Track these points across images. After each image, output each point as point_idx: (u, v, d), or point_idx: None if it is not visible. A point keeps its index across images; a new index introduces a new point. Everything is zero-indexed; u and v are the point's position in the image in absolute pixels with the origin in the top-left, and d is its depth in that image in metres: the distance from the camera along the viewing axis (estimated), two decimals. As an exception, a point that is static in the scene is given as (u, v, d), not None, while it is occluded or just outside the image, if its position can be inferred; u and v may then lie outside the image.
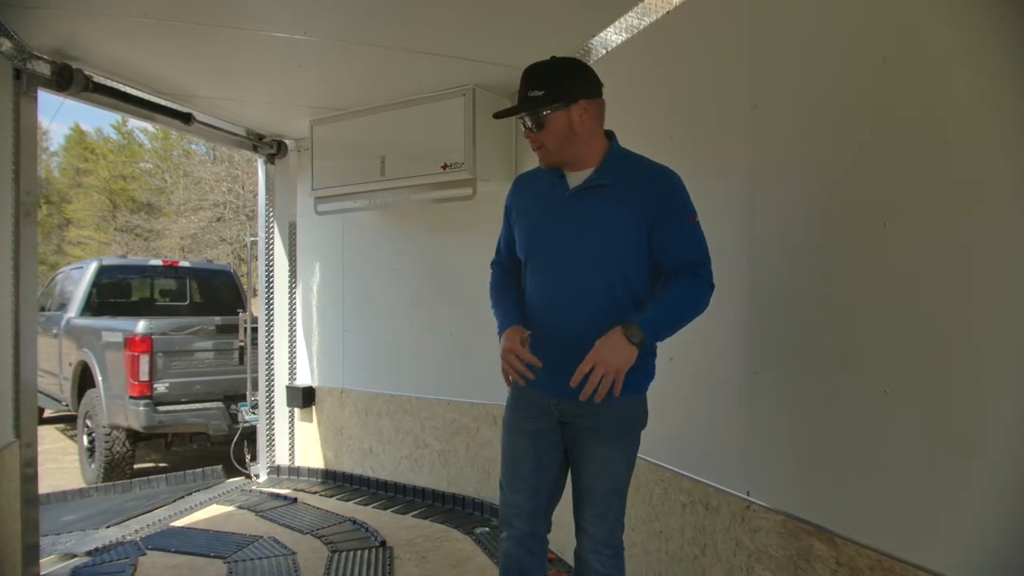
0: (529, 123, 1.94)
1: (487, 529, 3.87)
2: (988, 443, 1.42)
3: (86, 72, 3.37)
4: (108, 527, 4.17)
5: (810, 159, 1.89)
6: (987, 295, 1.42)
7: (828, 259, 1.83)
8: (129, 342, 5.68)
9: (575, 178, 1.98)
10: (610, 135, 2.03)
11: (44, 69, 3.23)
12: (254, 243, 5.48)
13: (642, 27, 2.71)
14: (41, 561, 3.29)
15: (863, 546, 1.69)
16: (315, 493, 4.68)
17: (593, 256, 1.94)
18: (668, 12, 2.53)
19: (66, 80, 3.27)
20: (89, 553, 3.54)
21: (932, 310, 1.54)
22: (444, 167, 3.66)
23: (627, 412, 1.98)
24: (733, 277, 2.17)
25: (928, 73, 1.56)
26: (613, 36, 2.90)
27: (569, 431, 2.01)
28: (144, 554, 3.52)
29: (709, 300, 1.93)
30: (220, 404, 6.01)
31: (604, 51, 2.99)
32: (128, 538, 3.82)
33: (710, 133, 2.34)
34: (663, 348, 2.46)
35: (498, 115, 2.08)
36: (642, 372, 1.98)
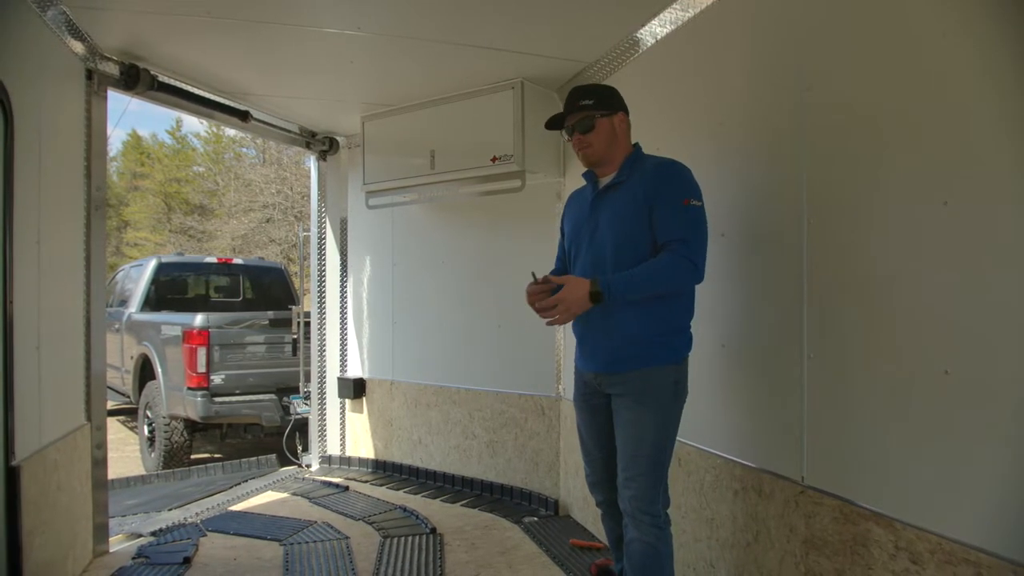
0: (579, 129, 2.31)
1: (535, 519, 3.90)
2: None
3: (152, 72, 3.50)
4: (170, 510, 4.33)
5: (865, 138, 1.87)
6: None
7: (882, 238, 1.80)
8: (187, 335, 5.90)
9: (603, 182, 2.36)
10: (636, 145, 2.38)
11: (113, 69, 3.38)
12: (306, 238, 5.62)
13: (690, 16, 2.70)
14: (109, 539, 3.45)
15: (923, 530, 1.66)
16: (366, 482, 4.78)
17: (611, 242, 2.24)
18: (718, -2, 2.52)
19: (133, 79, 3.41)
20: (154, 533, 3.68)
21: (995, 288, 1.51)
22: (493, 160, 3.70)
23: (648, 379, 2.20)
24: (785, 260, 2.16)
25: (987, 49, 1.53)
26: (659, 28, 2.90)
27: (612, 401, 2.28)
28: (205, 535, 3.65)
29: (684, 275, 2.14)
30: (273, 396, 6.19)
31: (653, 40, 2.99)
32: (189, 520, 3.96)
33: (762, 115, 2.32)
34: (715, 334, 2.47)
35: (550, 124, 2.44)
36: (661, 345, 2.21)
